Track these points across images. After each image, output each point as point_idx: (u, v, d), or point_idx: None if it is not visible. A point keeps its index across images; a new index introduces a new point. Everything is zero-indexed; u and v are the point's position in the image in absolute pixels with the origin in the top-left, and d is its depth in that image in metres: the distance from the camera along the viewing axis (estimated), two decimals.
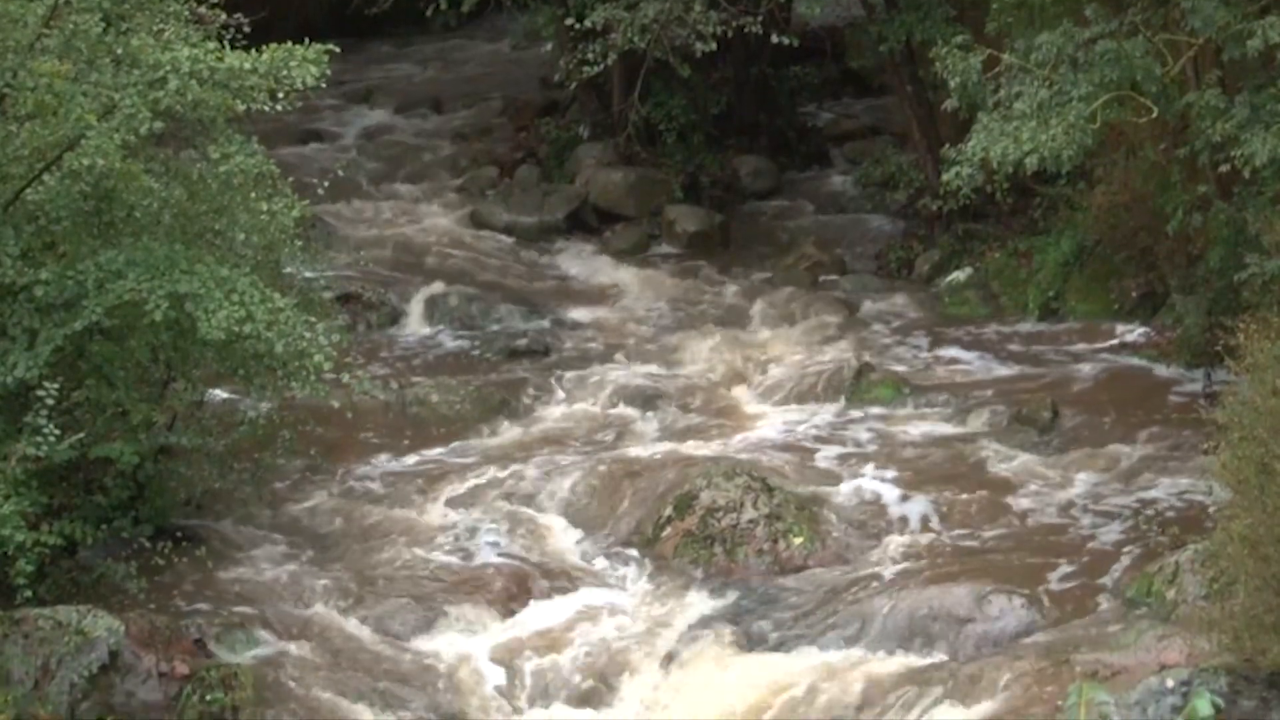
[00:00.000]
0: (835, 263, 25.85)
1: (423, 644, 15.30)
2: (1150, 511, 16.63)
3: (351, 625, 15.54)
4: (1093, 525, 16.58)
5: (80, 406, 15.13)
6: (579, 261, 26.57)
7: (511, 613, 15.97)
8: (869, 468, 18.45)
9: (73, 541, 14.61)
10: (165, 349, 15.95)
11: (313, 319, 15.92)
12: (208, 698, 13.69)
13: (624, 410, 20.64)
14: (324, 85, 15.64)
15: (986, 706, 12.96)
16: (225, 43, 15.73)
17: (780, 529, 16.83)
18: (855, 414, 20.27)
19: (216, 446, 17.10)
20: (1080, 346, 21.98)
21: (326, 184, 19.57)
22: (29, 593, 13.37)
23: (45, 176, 14.94)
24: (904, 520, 17.14)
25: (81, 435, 14.44)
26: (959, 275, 24.23)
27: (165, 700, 13.67)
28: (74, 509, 15.00)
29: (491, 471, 18.76)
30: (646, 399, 20.84)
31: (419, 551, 17.00)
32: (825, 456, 18.98)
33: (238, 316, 14.64)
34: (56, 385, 13.98)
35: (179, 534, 16.10)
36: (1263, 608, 10.39)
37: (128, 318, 15.09)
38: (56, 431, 13.80)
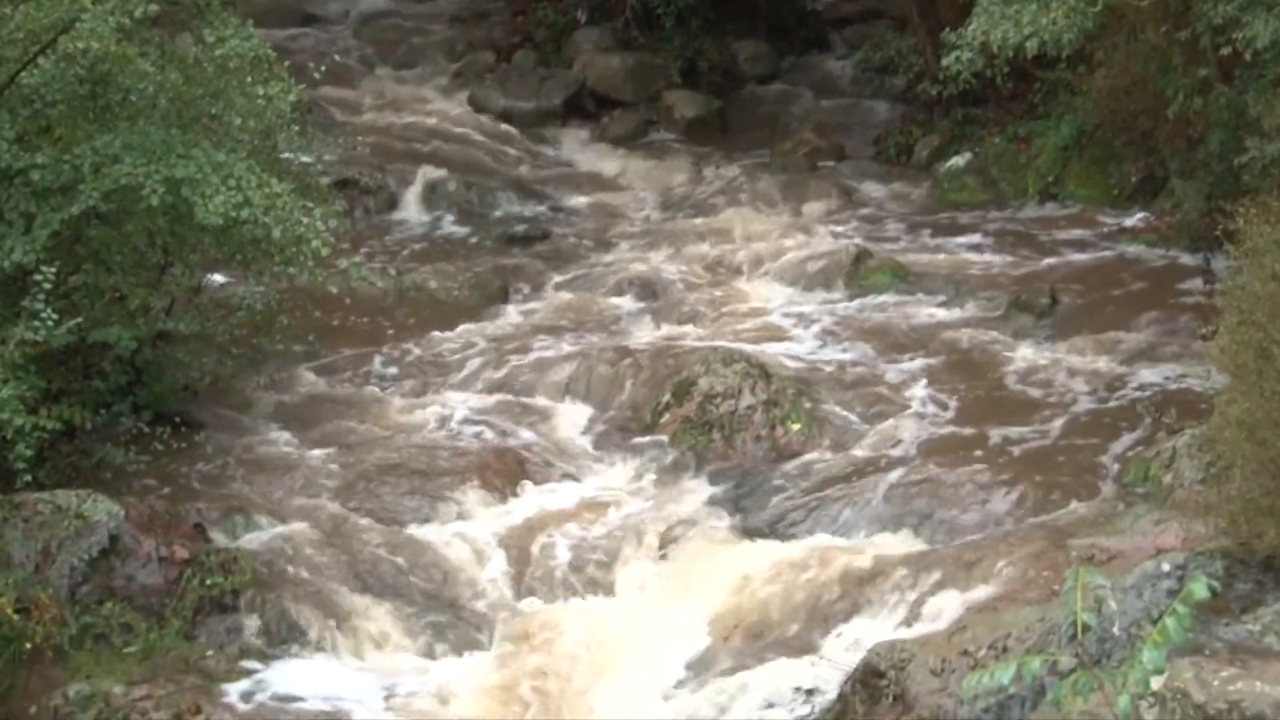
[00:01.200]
0: (834, 148, 25.80)
1: (421, 529, 15.33)
2: (1148, 397, 16.64)
3: (350, 510, 15.57)
4: (1090, 410, 16.60)
5: (78, 291, 15.11)
6: (576, 147, 26.52)
7: (509, 498, 15.99)
8: (867, 354, 18.47)
9: (72, 426, 14.62)
10: (162, 234, 15.92)
11: (310, 204, 15.85)
12: (207, 582, 13.73)
13: (622, 297, 20.65)
14: None
15: (983, 590, 13.00)
16: None
17: (778, 415, 16.85)
18: (853, 300, 20.27)
19: (215, 332, 17.09)
20: (1079, 232, 21.94)
21: (323, 68, 19.47)
22: (28, 477, 13.39)
23: (40, 60, 14.83)
24: (901, 406, 17.16)
25: (79, 320, 14.41)
26: (958, 161, 24.16)
27: (165, 584, 13.71)
28: (73, 394, 14.99)
29: (489, 358, 18.77)
30: (644, 286, 20.84)
31: (417, 437, 17.03)
32: (823, 343, 18.99)
33: (235, 202, 14.59)
34: (54, 270, 13.94)
35: (178, 419, 16.12)
36: (1259, 491, 10.40)
37: (124, 202, 15.04)
38: (54, 316, 13.78)
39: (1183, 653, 8.97)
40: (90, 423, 14.90)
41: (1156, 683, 8.36)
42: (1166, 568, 10.48)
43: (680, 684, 13.26)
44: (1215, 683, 8.72)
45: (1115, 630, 10.14)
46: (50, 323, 13.75)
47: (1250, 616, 9.74)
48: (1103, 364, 17.66)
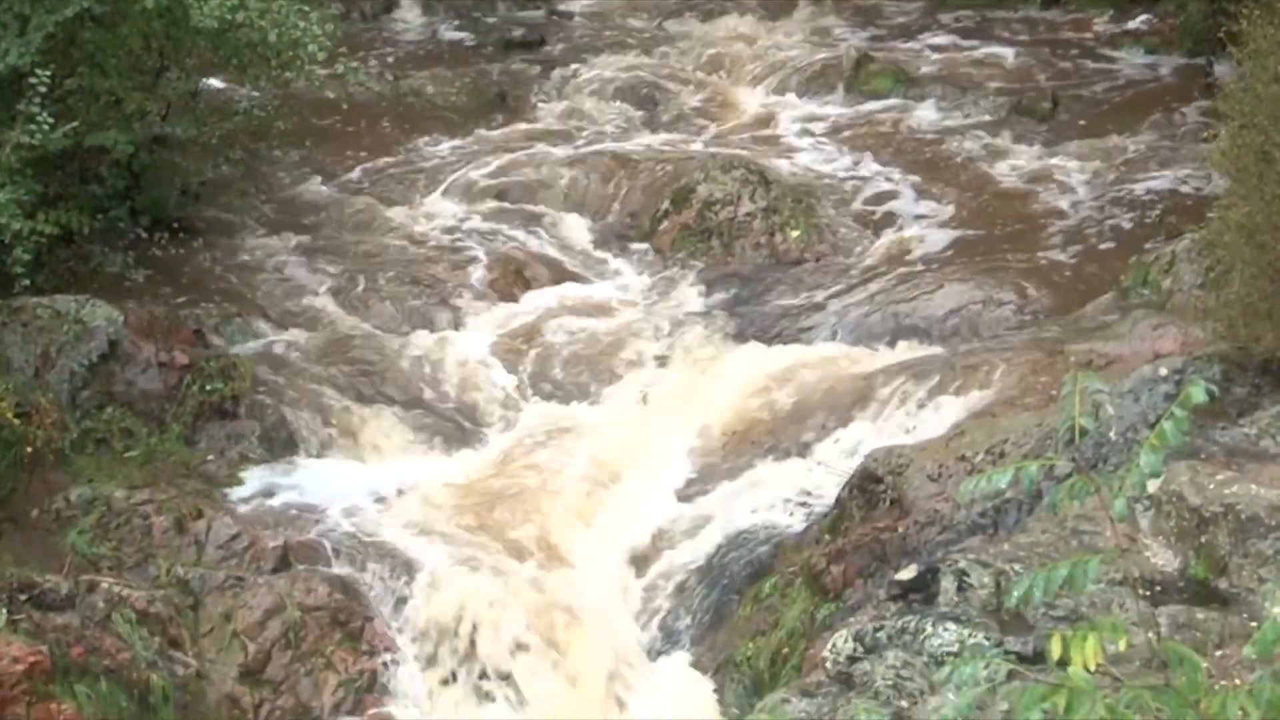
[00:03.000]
0: None
1: (420, 335, 15.34)
2: (1149, 201, 16.59)
3: (348, 316, 15.58)
4: (1090, 215, 16.55)
5: (73, 95, 14.97)
6: None
7: (508, 304, 15.98)
8: (867, 160, 18.40)
9: (69, 231, 14.57)
10: (158, 37, 15.77)
11: (306, 7, 15.71)
12: (207, 387, 13.76)
13: (621, 103, 20.51)
14: None
15: (981, 396, 13.02)
16: None
17: (777, 222, 16.81)
18: (854, 105, 20.15)
19: (211, 137, 16.97)
20: (1081, 35, 21.79)
21: None
22: (27, 281, 13.38)
23: None
24: (901, 213, 17.12)
25: (75, 124, 14.31)
26: None
27: (165, 389, 13.73)
28: (70, 199, 14.93)
29: (487, 164, 18.68)
30: (643, 92, 20.70)
31: (415, 243, 16.99)
32: (823, 149, 18.91)
33: (230, 4, 14.46)
34: (49, 73, 13.82)
35: (175, 225, 16.06)
36: (1258, 295, 10.37)
37: (120, 4, 14.88)
38: (50, 120, 13.69)
39: (1179, 457, 9.00)
40: (88, 228, 14.84)
41: (1153, 486, 8.40)
42: (1164, 372, 10.49)
43: (678, 489, 13.34)
44: (1211, 486, 8.75)
45: (1112, 435, 10.18)
46: (46, 126, 13.66)
47: (1247, 420, 9.76)
48: (1103, 168, 17.58)
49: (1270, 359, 10.32)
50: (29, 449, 12.28)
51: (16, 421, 12.25)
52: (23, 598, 10.87)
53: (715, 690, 11.55)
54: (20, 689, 10.19)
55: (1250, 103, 11.07)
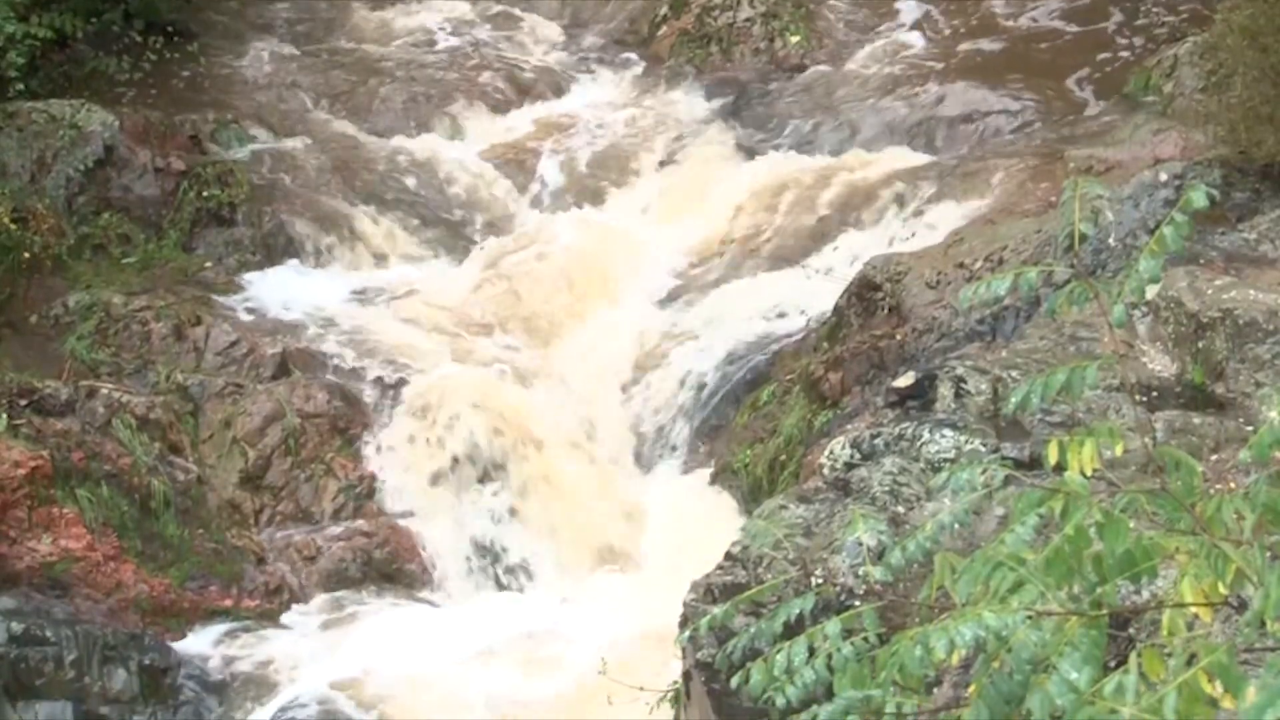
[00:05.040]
0: None
1: (417, 144, 15.26)
2: (1150, 5, 16.40)
3: (345, 124, 15.49)
4: (1091, 20, 16.35)
5: None
6: None
7: (507, 112, 15.89)
8: None
9: (63, 35, 14.45)
10: None
11: None
12: (204, 194, 13.72)
13: None
14: None
15: (981, 202, 12.98)
16: None
17: (777, 27, 16.66)
18: None
19: None
20: None
21: None
22: (21, 85, 13.30)
23: None
24: (901, 21, 16.94)
25: None
26: None
27: (162, 196, 13.70)
28: (63, 1, 14.77)
29: None
30: None
31: (413, 51, 16.85)
32: None
33: None
34: None
35: (170, 29, 15.90)
36: (1259, 99, 10.29)
37: None
38: None
39: (1178, 262, 8.99)
40: (81, 31, 14.72)
41: (1151, 291, 8.39)
42: (1164, 177, 10.44)
43: (676, 297, 13.34)
44: (1209, 291, 8.74)
45: (1111, 241, 10.15)
46: None
47: (1246, 225, 9.72)
48: None
49: (1271, 163, 10.27)
50: (26, 255, 12.28)
51: (14, 227, 12.23)
52: (23, 403, 10.92)
53: (712, 490, 11.65)
54: (22, 493, 10.27)
55: None
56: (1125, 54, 15.30)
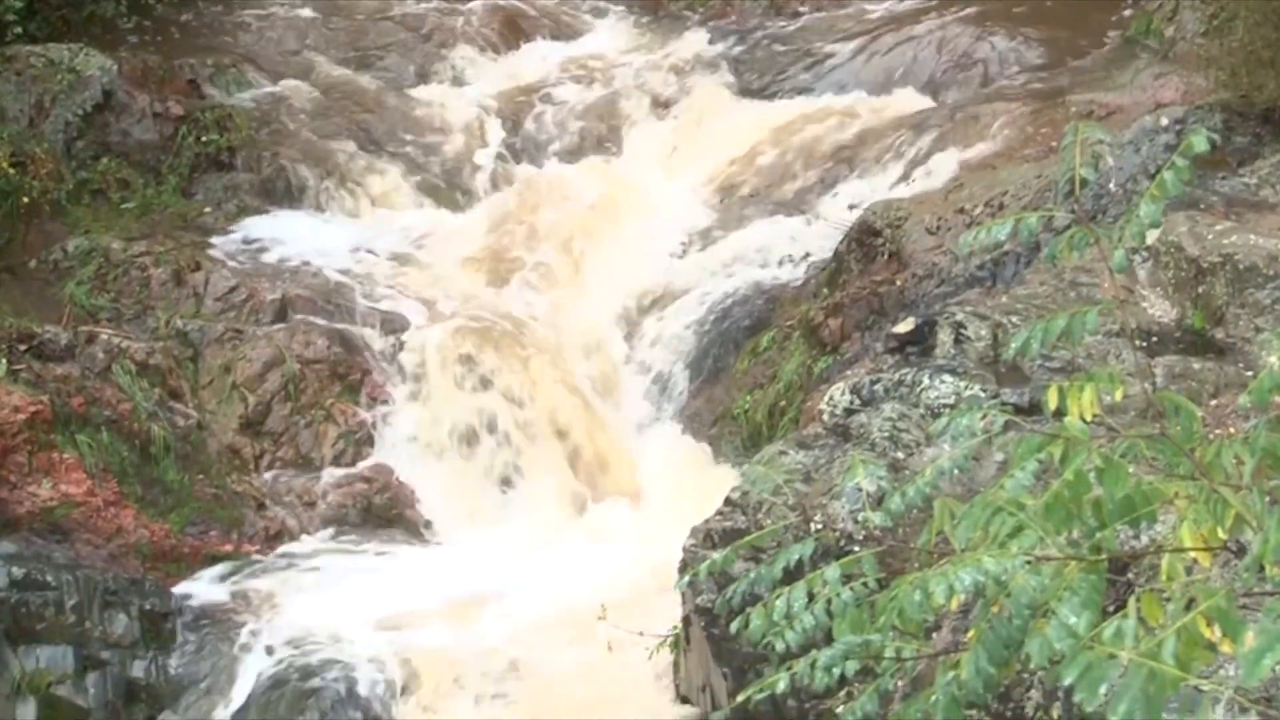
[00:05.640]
0: None
1: (417, 89, 15.24)
2: None
3: (344, 69, 15.45)
4: None
5: None
6: None
7: (507, 58, 15.86)
8: None
9: None
10: None
11: None
12: (203, 139, 13.69)
13: None
14: None
15: (983, 147, 12.95)
16: None
17: None
18: None
19: None
20: None
21: None
22: (19, 29, 13.26)
23: None
24: None
25: None
26: None
27: (161, 140, 13.67)
28: None
29: None
30: None
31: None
32: None
33: None
34: None
35: None
36: (1261, 43, 10.28)
37: None
38: None
39: (1178, 207, 8.98)
40: None
41: (1151, 237, 8.38)
42: (1165, 122, 10.42)
43: (677, 242, 13.32)
44: (1210, 236, 8.73)
45: (1112, 186, 10.14)
46: None
47: (1247, 170, 9.71)
48: None
49: (1272, 108, 10.26)
50: (25, 199, 12.25)
51: (12, 171, 12.20)
52: (22, 348, 10.91)
53: (710, 442, 11.65)
54: (22, 438, 10.27)
55: None
56: None
